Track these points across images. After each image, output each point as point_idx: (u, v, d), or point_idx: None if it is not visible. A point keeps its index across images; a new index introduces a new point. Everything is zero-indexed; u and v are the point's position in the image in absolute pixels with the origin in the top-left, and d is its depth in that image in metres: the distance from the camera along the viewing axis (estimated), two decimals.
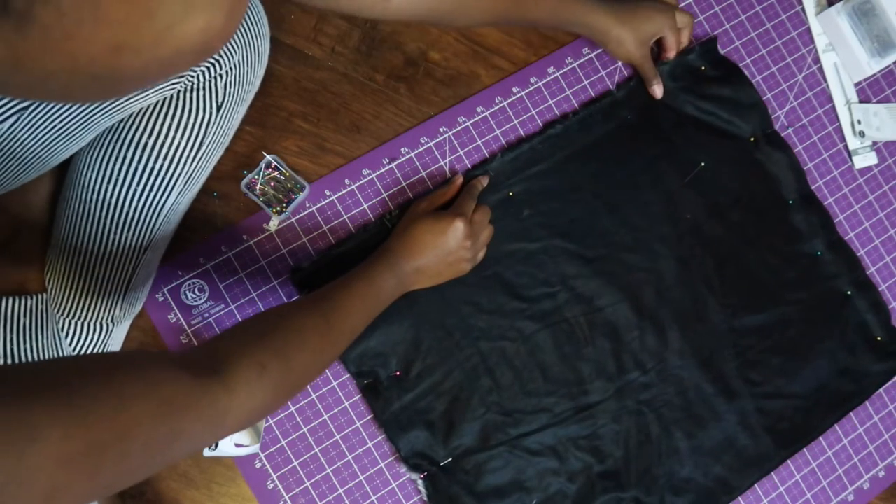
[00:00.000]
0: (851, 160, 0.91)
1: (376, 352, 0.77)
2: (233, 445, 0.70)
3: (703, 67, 0.87)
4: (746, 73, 0.88)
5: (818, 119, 0.91)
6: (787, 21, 0.92)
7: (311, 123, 0.81)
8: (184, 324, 0.77)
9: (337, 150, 0.81)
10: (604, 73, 0.87)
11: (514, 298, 0.80)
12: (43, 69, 0.25)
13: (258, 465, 0.76)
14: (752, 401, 0.83)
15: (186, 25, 0.26)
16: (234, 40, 0.63)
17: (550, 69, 0.86)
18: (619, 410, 0.81)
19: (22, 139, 0.59)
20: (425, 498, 0.77)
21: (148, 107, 0.65)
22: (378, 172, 0.81)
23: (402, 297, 0.71)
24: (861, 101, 0.92)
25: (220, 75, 0.64)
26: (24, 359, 0.69)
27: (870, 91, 0.93)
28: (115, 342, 0.73)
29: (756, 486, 0.84)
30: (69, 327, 0.70)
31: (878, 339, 0.87)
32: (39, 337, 0.70)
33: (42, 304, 0.72)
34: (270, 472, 0.76)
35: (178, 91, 0.64)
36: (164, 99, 0.64)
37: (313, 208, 0.80)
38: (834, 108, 0.92)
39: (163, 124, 0.65)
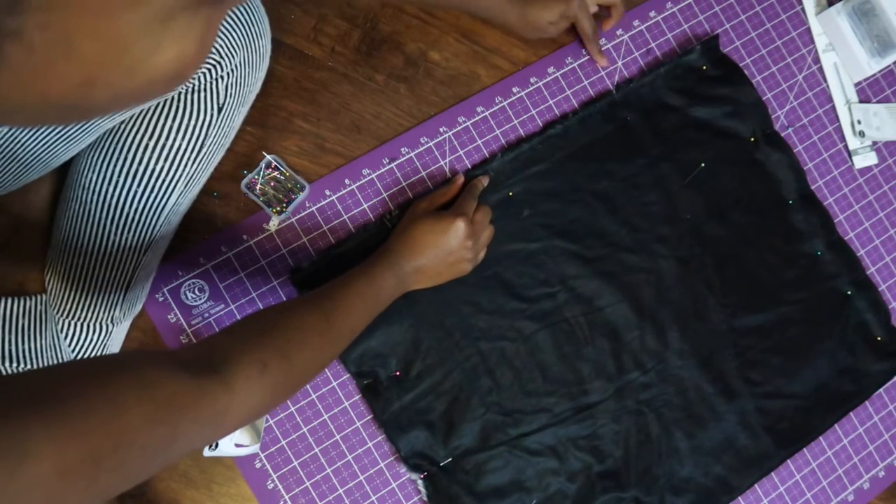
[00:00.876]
0: (851, 160, 0.91)
1: (376, 352, 0.77)
2: (233, 445, 0.70)
3: (704, 67, 0.86)
4: (746, 73, 0.88)
5: (818, 119, 0.91)
6: (787, 21, 0.92)
7: (311, 123, 0.81)
8: (184, 324, 0.77)
9: (337, 150, 0.81)
10: (604, 73, 0.87)
11: (514, 298, 0.80)
12: (12, 104, 0.24)
13: (258, 465, 0.76)
14: (752, 401, 0.83)
15: (159, 57, 0.25)
16: (236, 42, 0.63)
17: (550, 69, 0.86)
18: (619, 410, 0.81)
19: (23, 141, 0.59)
20: (425, 498, 0.77)
21: (149, 108, 0.64)
22: (378, 172, 0.81)
23: (402, 297, 0.71)
24: (861, 101, 0.92)
25: (222, 77, 0.64)
26: (23, 359, 0.68)
27: (870, 91, 0.93)
28: (115, 342, 0.73)
29: (756, 485, 0.84)
30: (69, 328, 0.70)
31: (878, 338, 0.87)
32: (39, 337, 0.70)
33: (41, 304, 0.72)
34: (270, 472, 0.76)
35: (180, 92, 0.64)
36: (165, 100, 0.64)
37: (313, 208, 0.80)
38: (834, 108, 0.92)
39: (164, 126, 0.65)
